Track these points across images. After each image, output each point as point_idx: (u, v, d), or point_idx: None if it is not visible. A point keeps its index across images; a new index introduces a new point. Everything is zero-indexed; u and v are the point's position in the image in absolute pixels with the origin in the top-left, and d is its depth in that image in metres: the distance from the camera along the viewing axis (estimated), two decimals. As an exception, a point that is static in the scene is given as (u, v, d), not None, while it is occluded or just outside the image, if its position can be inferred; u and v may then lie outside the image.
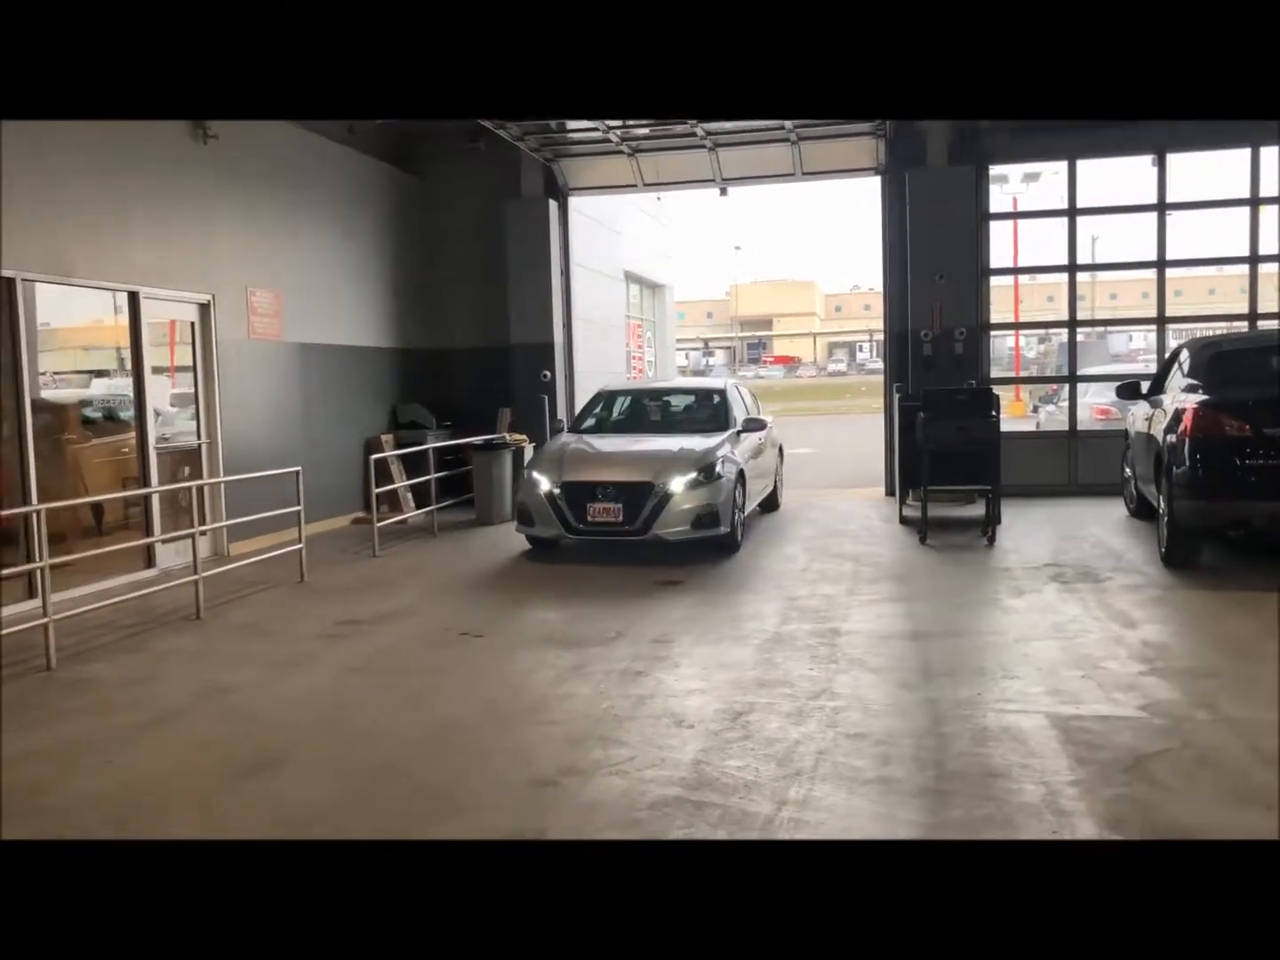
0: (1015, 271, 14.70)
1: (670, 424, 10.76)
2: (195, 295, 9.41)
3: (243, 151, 9.80)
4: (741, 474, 9.53)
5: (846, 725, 4.95)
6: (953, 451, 9.90)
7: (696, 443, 9.54)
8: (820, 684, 5.58)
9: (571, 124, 12.27)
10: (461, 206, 13.33)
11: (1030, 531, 10.19)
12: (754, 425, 10.49)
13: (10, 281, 7.46)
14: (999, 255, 13.21)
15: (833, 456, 19.95)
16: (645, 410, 11.14)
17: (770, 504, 11.97)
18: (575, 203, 13.86)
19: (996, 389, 11.22)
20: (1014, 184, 16.56)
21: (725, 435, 9.87)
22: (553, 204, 13.18)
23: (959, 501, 11.54)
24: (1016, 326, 22.83)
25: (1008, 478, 11.32)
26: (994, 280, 13.01)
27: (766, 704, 5.28)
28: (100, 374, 9.65)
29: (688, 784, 4.29)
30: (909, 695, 5.36)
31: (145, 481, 8.87)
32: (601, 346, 16.21)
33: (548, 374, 13.05)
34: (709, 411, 10.65)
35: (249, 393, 10.06)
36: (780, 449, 12.47)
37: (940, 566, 8.94)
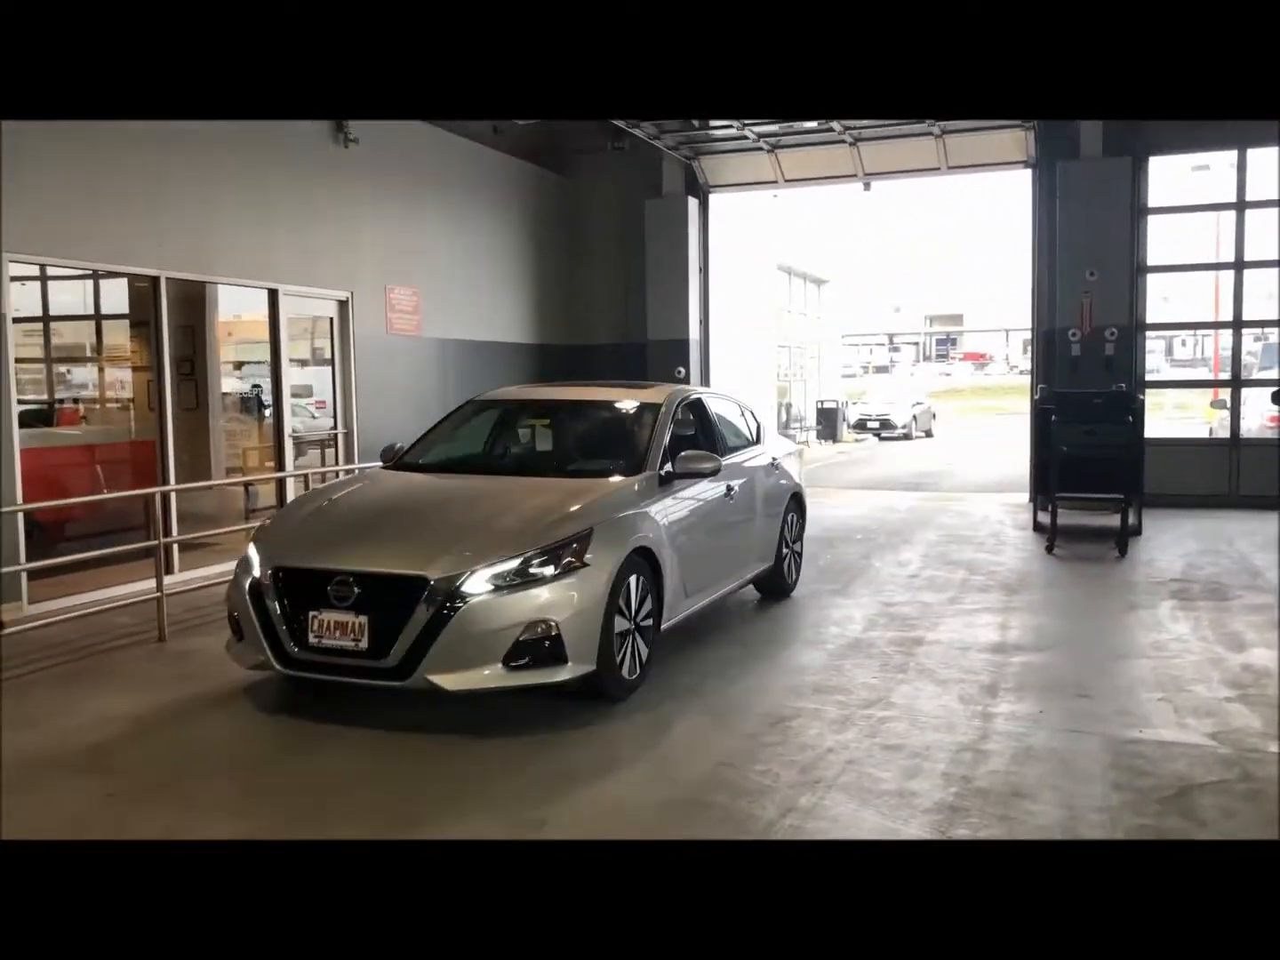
0: (1179, 269, 13.80)
1: (558, 460, 6.59)
2: (335, 292, 9.94)
3: (383, 154, 10.27)
4: (650, 557, 5.44)
5: (887, 736, 4.86)
6: (1085, 457, 9.46)
7: (566, 497, 5.45)
8: (878, 693, 5.48)
9: (710, 122, 12.30)
10: (603, 204, 13.56)
11: (1170, 544, 9.63)
12: (701, 468, 6.05)
13: (156, 280, 8.08)
14: (1159, 251, 12.48)
15: (990, 458, 19.30)
16: (524, 436, 7.14)
17: (770, 584, 7.52)
18: (726, 198, 13.89)
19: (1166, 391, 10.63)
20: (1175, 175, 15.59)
21: (638, 484, 5.74)
22: (692, 201, 13.25)
23: (1104, 509, 11.01)
24: (1176, 327, 21.44)
25: (1160, 486, 10.77)
26: (1151, 278, 12.29)
27: (814, 710, 5.23)
28: (240, 365, 10.33)
29: (702, 785, 4.32)
30: (964, 709, 5.21)
31: (280, 467, 9.44)
32: (746, 342, 16.21)
33: (681, 370, 13.14)
34: (626, 442, 6.30)
35: (386, 385, 10.54)
36: (796, 495, 7.82)
37: (1058, 577, 8.57)
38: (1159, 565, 8.72)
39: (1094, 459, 9.44)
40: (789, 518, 7.59)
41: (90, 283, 10.56)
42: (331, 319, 10.05)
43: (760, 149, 12.88)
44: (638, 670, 5.37)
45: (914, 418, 27.91)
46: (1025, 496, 12.73)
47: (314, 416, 10.93)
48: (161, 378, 8.28)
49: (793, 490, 7.77)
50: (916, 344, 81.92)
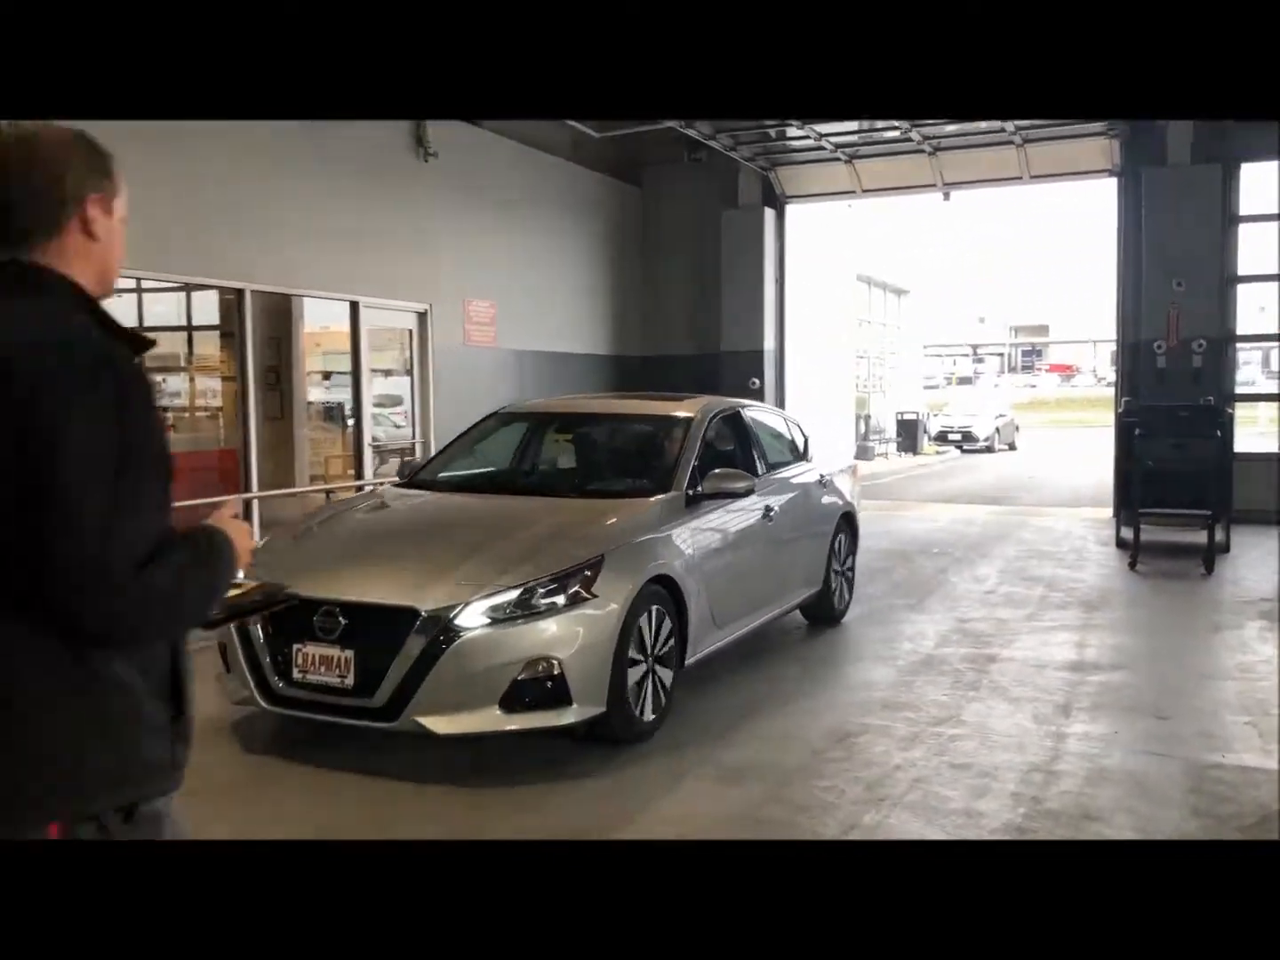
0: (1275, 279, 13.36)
1: (578, 479, 6.21)
2: (413, 305, 10.13)
3: (462, 167, 10.44)
4: (671, 586, 5.00)
5: (956, 754, 4.78)
6: (1170, 471, 9.21)
7: (578, 520, 5.09)
8: (948, 710, 5.40)
9: (788, 132, 12.28)
10: (679, 216, 13.61)
11: (1259, 562, 9.33)
12: (732, 488, 5.57)
13: (240, 292, 8.31)
14: (1254, 260, 12.10)
15: (1074, 472, 18.89)
16: (546, 452, 6.71)
17: (818, 610, 6.99)
18: (804, 208, 13.84)
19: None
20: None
21: (661, 505, 5.30)
22: (769, 212, 13.24)
23: (1190, 525, 10.70)
24: (1271, 339, 20.72)
25: (1250, 502, 10.44)
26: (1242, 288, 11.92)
27: (881, 726, 5.17)
28: (327, 375, 10.57)
29: (764, 799, 4.30)
30: (1037, 728, 5.11)
31: (360, 476, 9.64)
32: (823, 352, 16.10)
33: (756, 381, 13.11)
34: (652, 460, 5.95)
35: (463, 396, 10.68)
36: (848, 515, 7.30)
37: (1140, 595, 8.36)
38: (1246, 584, 8.46)
39: (1179, 473, 9.19)
40: (839, 539, 7.09)
41: (183, 295, 10.93)
42: (410, 331, 10.23)
43: (838, 159, 12.82)
44: (656, 711, 4.90)
45: (997, 430, 27.44)
46: (1109, 511, 12.44)
47: (398, 426, 11.13)
48: (246, 387, 8.50)
49: (843, 509, 7.23)
50: (1001, 355, 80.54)
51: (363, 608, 4.42)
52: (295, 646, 4.46)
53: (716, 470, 5.61)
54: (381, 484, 6.31)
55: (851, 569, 7.45)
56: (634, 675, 4.72)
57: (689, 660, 5.19)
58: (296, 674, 4.45)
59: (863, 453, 22.23)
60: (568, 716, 4.44)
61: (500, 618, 4.39)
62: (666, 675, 4.99)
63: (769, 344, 13.37)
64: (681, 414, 6.09)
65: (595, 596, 4.54)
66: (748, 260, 13.14)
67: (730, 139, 12.12)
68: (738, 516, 5.82)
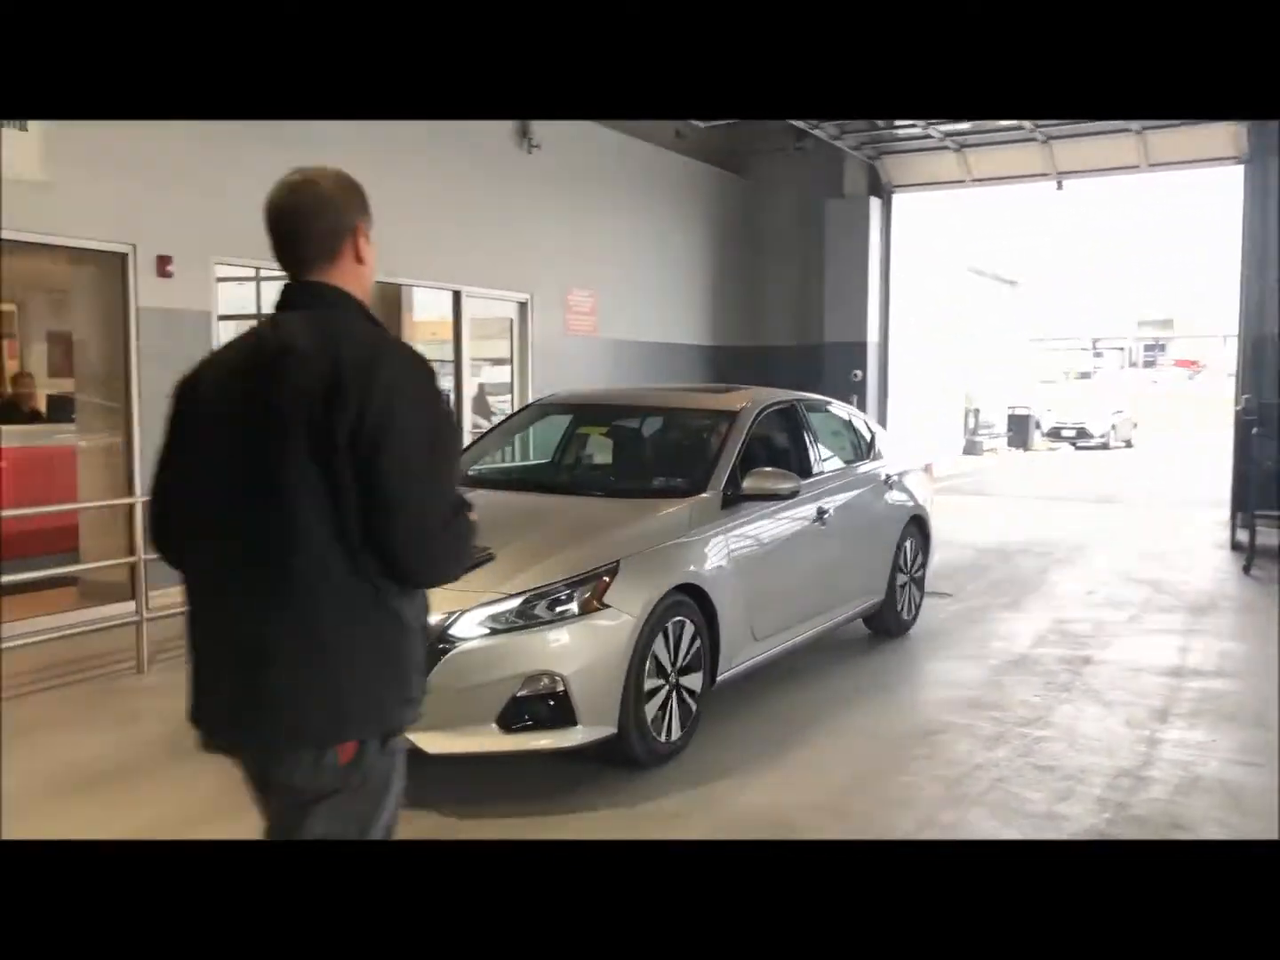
0: None
1: (607, 476, 5.84)
2: (515, 294, 10.27)
3: (565, 158, 10.54)
4: (700, 596, 4.60)
5: (1041, 756, 4.68)
6: (1288, 472, 8.83)
7: (598, 522, 4.70)
8: (1037, 711, 5.28)
9: (895, 121, 12.07)
10: (783, 205, 13.50)
11: (1386, 569, 8.87)
12: (774, 489, 5.06)
13: (347, 282, 8.55)
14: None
15: (1193, 471, 18.19)
16: (578, 446, 6.26)
17: (880, 621, 6.50)
18: (911, 197, 13.61)
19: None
20: None
21: (692, 507, 4.86)
22: (874, 202, 13.05)
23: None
24: None
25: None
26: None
27: (965, 725, 5.09)
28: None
29: (843, 792, 4.28)
30: (1129, 733, 4.97)
31: (459, 462, 9.83)
32: (930, 345, 15.81)
33: (859, 373, 12.96)
34: (689, 457, 5.61)
35: (561, 385, 10.78)
36: (918, 518, 6.74)
37: (1252, 600, 8.03)
38: (1370, 592, 8.05)
39: (1299, 475, 8.80)
40: (906, 544, 6.55)
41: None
42: (511, 320, 10.38)
43: (946, 148, 12.56)
44: (679, 730, 4.49)
45: (1113, 426, 26.58)
46: (1226, 513, 11.96)
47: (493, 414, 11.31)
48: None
49: (912, 512, 6.67)
50: (1122, 349, 77.78)
51: None
52: None
53: (757, 469, 5.13)
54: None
55: (923, 576, 6.89)
56: (654, 693, 4.35)
57: (722, 676, 4.79)
58: None
59: (970, 448, 21.78)
60: (572, 738, 4.05)
61: (500, 628, 4.04)
62: (690, 695, 4.57)
63: (873, 336, 13.19)
64: (726, 408, 5.57)
65: (607, 607, 4.17)
66: (852, 250, 12.98)
67: (836, 128, 11.99)
68: (784, 520, 5.35)
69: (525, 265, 10.31)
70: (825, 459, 6.03)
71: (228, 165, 7.33)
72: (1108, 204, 47.08)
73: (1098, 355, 71.46)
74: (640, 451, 5.97)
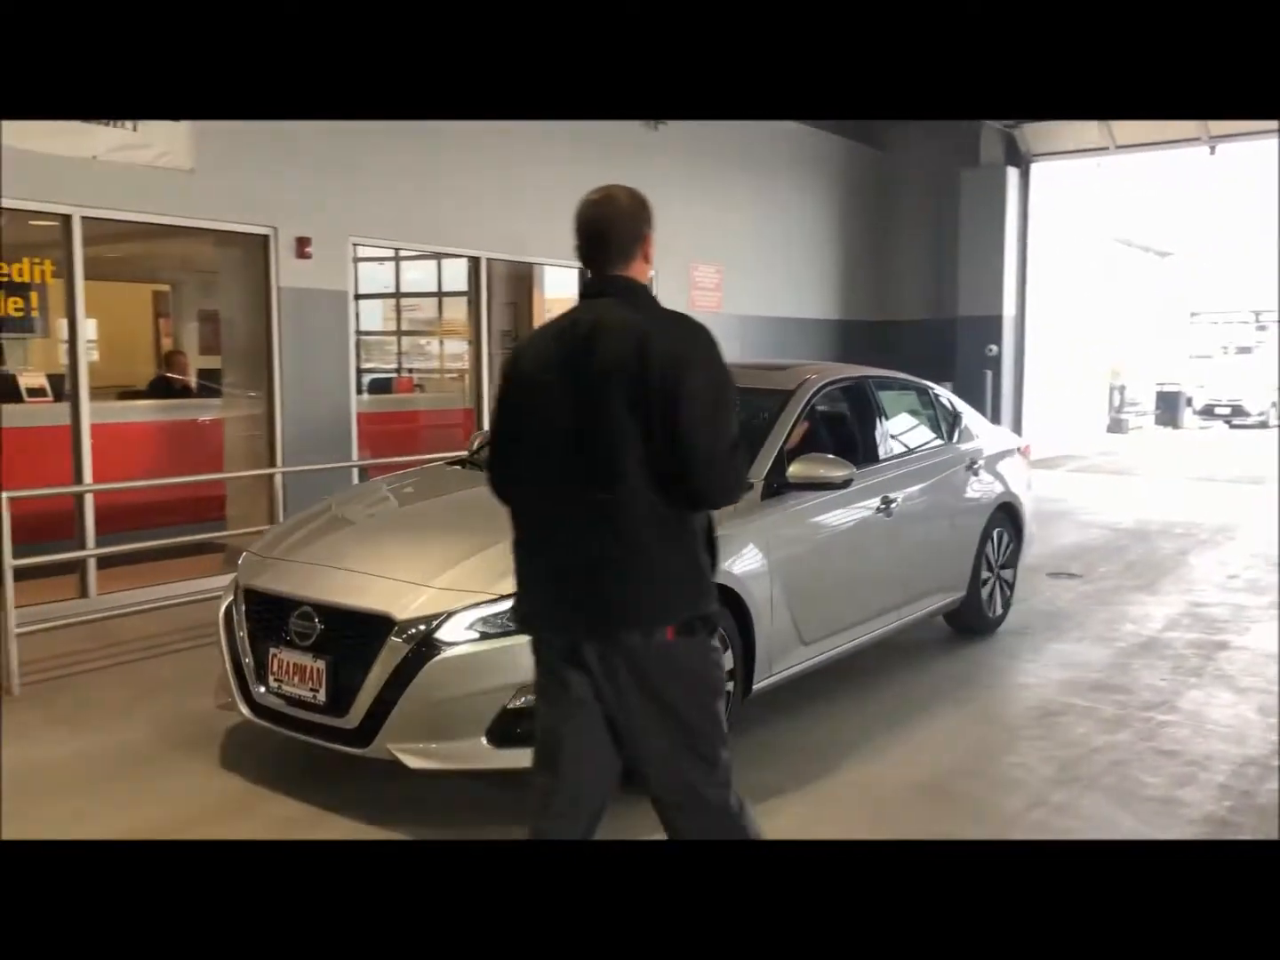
0: None
1: None
2: (640, 271, 10.35)
3: (690, 133, 10.53)
4: (735, 599, 4.12)
5: (1164, 741, 4.55)
6: None
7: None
8: (1163, 696, 5.13)
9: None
10: (917, 176, 13.22)
11: None
12: (825, 476, 4.49)
13: (476, 260, 8.77)
14: None
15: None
16: None
17: (962, 619, 6.01)
18: (1053, 166, 13.16)
19: None
20: None
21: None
22: (1012, 171, 12.66)
23: None
24: None
25: None
26: None
27: (1087, 708, 4.97)
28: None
29: (952, 772, 4.24)
30: (1261, 720, 4.78)
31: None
32: (1071, 318, 15.28)
33: (994, 348, 12.63)
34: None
35: (687, 360, 10.85)
36: (1008, 506, 6.15)
37: None
38: None
39: None
40: (994, 534, 5.99)
41: (435, 263, 11.60)
42: (637, 296, 10.47)
43: (1089, 113, 12.08)
44: None
45: (1273, 403, 25.23)
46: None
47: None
48: (479, 349, 8.99)
49: (1001, 499, 6.06)
50: (1287, 322, 73.30)
51: (338, 611, 3.80)
52: (271, 651, 3.93)
53: (807, 455, 4.55)
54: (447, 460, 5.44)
55: (1014, 572, 6.31)
56: None
57: (759, 684, 4.29)
58: (273, 682, 3.92)
59: (1115, 426, 21.00)
60: None
61: (492, 632, 3.63)
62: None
63: (1009, 309, 12.83)
64: (778, 386, 4.95)
65: None
66: (987, 221, 12.63)
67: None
68: (839, 511, 4.83)
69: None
70: (896, 442, 5.53)
71: (364, 150, 7.60)
72: (1268, 168, 44.40)
73: (1260, 329, 67.55)
74: None
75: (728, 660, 3.93)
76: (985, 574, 5.97)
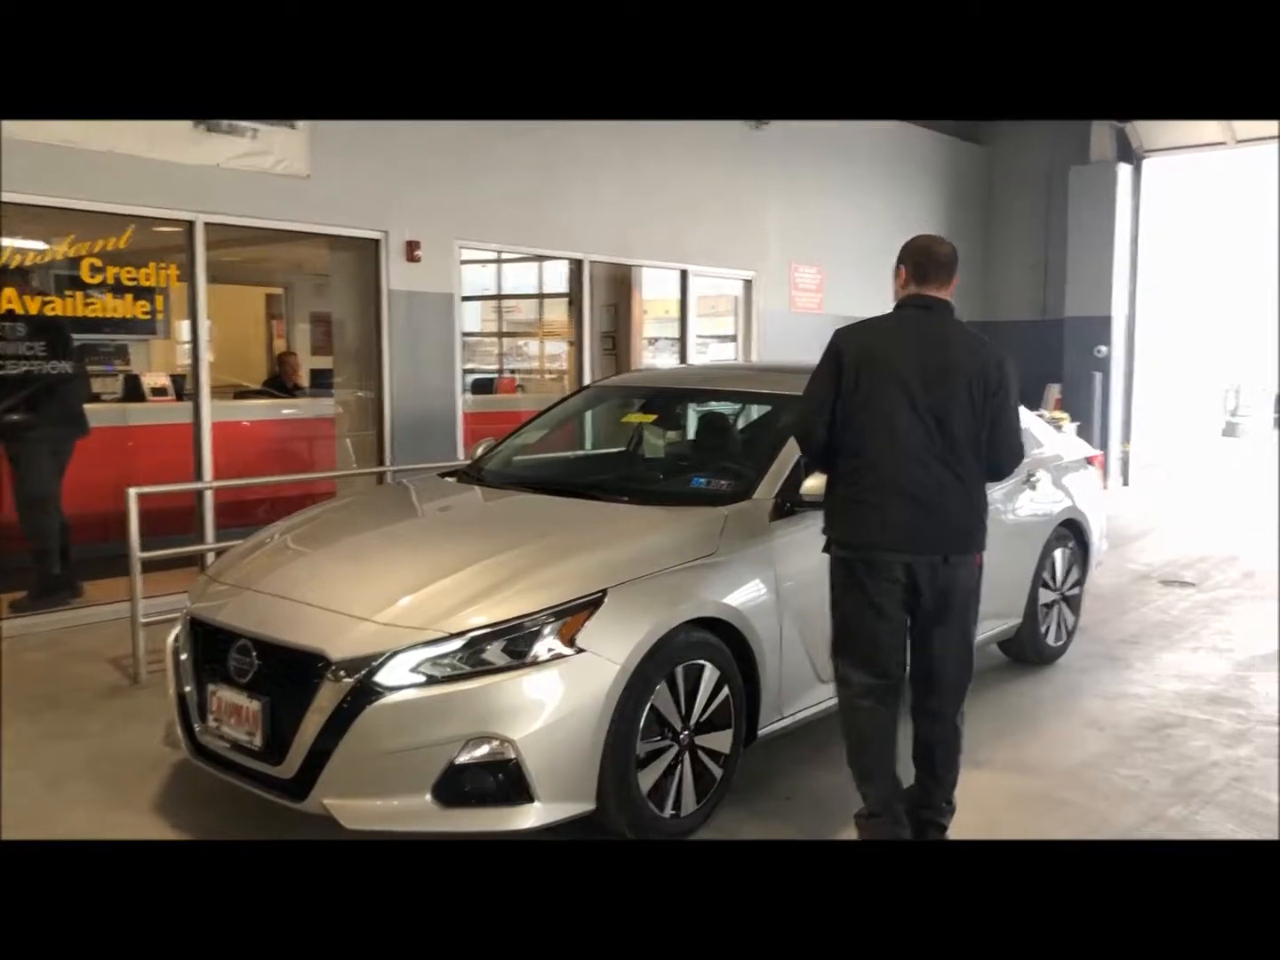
0: None
1: (641, 475, 5.13)
2: (740, 272, 10.33)
3: (792, 134, 10.47)
4: (731, 634, 3.70)
5: (1287, 758, 4.40)
6: None
7: (597, 536, 3.82)
8: (1286, 710, 4.95)
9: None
10: (1023, 174, 12.93)
11: None
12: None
13: (579, 262, 8.87)
14: None
15: None
16: (624, 437, 5.55)
17: (1020, 648, 5.47)
18: (1168, 162, 12.74)
19: None
20: None
21: (729, 518, 3.90)
22: (1123, 167, 12.28)
23: None
24: None
25: None
26: None
27: (1203, 721, 4.83)
28: (653, 341, 11.03)
29: (1061, 783, 4.16)
30: (1392, 739, 4.58)
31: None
32: (1185, 318, 14.79)
33: (1103, 349, 12.28)
34: (741, 454, 4.83)
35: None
36: (1073, 522, 5.59)
37: None
38: None
39: None
40: (1055, 554, 5.46)
41: (536, 265, 11.75)
42: (736, 298, 10.46)
43: (1207, 107, 11.66)
44: (695, 803, 3.59)
45: (1400, 408, 24.02)
46: None
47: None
48: (581, 351, 9.08)
49: (1065, 516, 5.49)
50: None
51: (275, 648, 3.41)
52: (210, 688, 3.58)
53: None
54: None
55: (1080, 593, 5.78)
56: (656, 756, 3.47)
57: (766, 729, 3.88)
58: (212, 722, 3.56)
59: (1229, 430, 20.27)
60: (527, 818, 3.20)
61: (439, 675, 3.22)
62: (711, 758, 3.64)
63: (1119, 310, 12.45)
64: (795, 392, 3.79)
65: (581, 650, 3.29)
66: (1097, 220, 12.27)
67: (1082, 91, 11.34)
68: None
69: (751, 242, 10.34)
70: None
71: (469, 154, 7.73)
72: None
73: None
74: (693, 445, 5.14)
75: (726, 704, 3.66)
76: (1049, 597, 5.47)
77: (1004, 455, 3.39)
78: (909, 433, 3.24)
